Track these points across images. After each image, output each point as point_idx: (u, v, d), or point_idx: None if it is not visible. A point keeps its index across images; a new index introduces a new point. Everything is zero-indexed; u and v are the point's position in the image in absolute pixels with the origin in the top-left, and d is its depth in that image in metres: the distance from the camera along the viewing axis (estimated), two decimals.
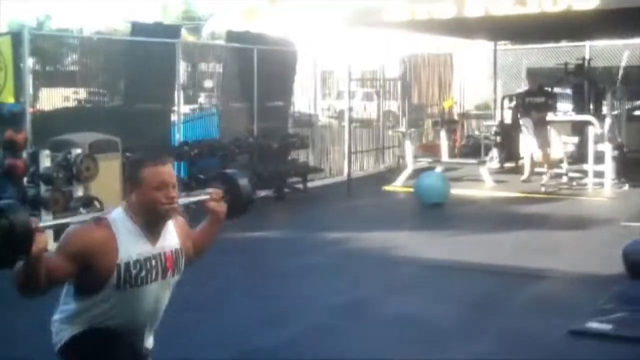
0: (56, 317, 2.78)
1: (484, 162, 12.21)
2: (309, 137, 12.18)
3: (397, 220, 9.04)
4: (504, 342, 4.77)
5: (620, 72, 13.76)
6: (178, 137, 10.09)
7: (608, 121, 11.26)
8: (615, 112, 11.99)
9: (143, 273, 2.68)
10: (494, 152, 13.10)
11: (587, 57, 14.57)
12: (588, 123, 11.39)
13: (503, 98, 14.04)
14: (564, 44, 15.68)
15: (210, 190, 2.98)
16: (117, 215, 2.70)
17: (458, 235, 8.00)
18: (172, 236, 2.81)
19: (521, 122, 12.00)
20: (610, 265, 6.21)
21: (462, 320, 5.24)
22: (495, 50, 15.26)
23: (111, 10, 41.16)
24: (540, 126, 11.62)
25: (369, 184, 12.06)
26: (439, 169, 11.70)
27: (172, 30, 10.79)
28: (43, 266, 2.44)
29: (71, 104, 9.55)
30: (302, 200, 10.65)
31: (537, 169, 11.73)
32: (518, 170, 12.39)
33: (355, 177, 11.83)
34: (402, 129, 13.33)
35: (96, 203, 7.38)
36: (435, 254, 7.15)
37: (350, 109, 11.81)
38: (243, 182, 3.12)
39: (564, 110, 13.39)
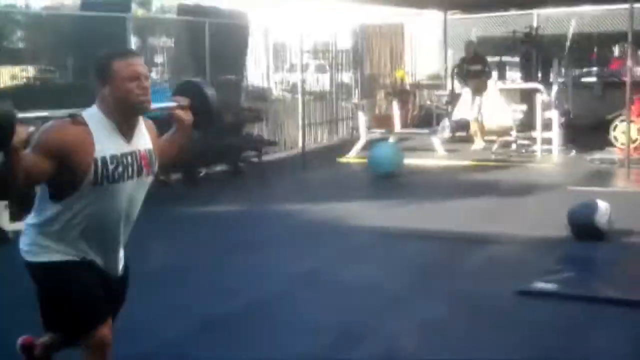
0: (30, 221, 2.81)
1: (435, 132, 12.39)
2: (263, 110, 12.21)
3: (352, 190, 9.19)
4: (454, 304, 4.93)
5: (568, 40, 14.02)
6: None
7: (555, 89, 11.53)
8: (562, 80, 12.27)
9: (120, 169, 2.72)
10: (446, 122, 13.30)
11: (535, 25, 14.80)
12: (536, 91, 11.63)
13: (454, 68, 14.21)
14: (513, 12, 15.87)
15: (177, 98, 3.02)
16: (92, 112, 2.73)
17: (411, 203, 8.18)
18: (145, 137, 2.86)
19: (458, 90, 12.29)
20: (557, 228, 6.42)
21: (414, 284, 5.40)
22: (445, 20, 15.40)
23: None
24: (477, 94, 11.89)
25: (324, 156, 12.17)
26: (392, 139, 11.86)
27: (123, 4, 10.70)
28: (21, 161, 2.44)
29: (19, 81, 9.44)
30: (258, 173, 10.72)
31: (486, 137, 12.00)
32: (469, 139, 12.62)
33: (310, 150, 11.92)
34: (355, 100, 13.45)
35: None
36: (389, 222, 7.30)
37: (304, 82, 11.88)
38: (210, 92, 3.12)
39: (513, 78, 13.61)
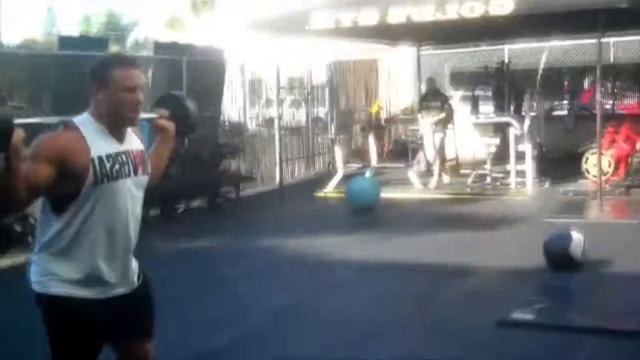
0: (36, 248, 2.81)
1: (411, 166, 12.52)
2: (240, 145, 12.29)
3: (331, 224, 9.26)
4: (434, 335, 5.02)
5: (539, 73, 14.31)
6: None
7: (527, 122, 11.74)
8: (534, 113, 12.50)
9: (117, 166, 2.78)
10: (421, 155, 13.43)
11: (506, 59, 15.10)
12: (509, 124, 11.83)
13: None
14: (484, 47, 16.17)
15: (158, 110, 3.12)
16: (83, 118, 2.78)
17: (389, 237, 8.26)
18: (135, 140, 2.93)
19: (419, 126, 12.39)
20: (533, 259, 6.54)
21: (394, 316, 5.48)
22: (418, 55, 15.63)
23: (30, 21, 40.08)
24: (439, 129, 11.96)
25: (301, 190, 12.25)
26: (368, 173, 11.97)
27: (100, 43, 10.80)
28: (21, 165, 2.45)
29: None
30: (236, 209, 10.76)
31: (462, 171, 12.15)
32: (444, 172, 12.77)
33: (287, 184, 12.00)
34: (332, 134, 13.59)
35: (31, 219, 7.38)
36: (368, 255, 7.38)
37: (280, 117, 12.00)
38: (189, 103, 3.27)
39: (486, 111, 13.82)
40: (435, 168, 11.97)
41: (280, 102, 12.85)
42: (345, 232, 8.67)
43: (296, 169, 14.12)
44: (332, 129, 14.07)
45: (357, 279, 6.63)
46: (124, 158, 2.83)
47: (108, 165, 2.76)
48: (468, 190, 11.32)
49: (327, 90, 15.24)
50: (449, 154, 12.72)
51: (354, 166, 12.44)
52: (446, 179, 12.06)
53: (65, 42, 10.24)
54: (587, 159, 11.21)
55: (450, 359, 4.57)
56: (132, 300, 2.97)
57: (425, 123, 12.20)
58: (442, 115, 12.00)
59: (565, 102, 15.88)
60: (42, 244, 2.80)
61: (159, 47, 11.85)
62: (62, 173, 2.66)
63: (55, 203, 2.75)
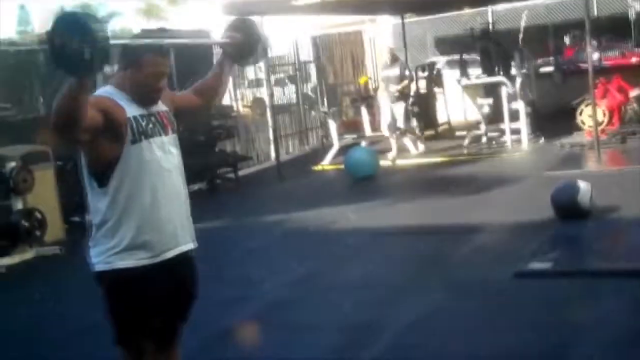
0: (93, 230, 2.87)
1: (405, 132, 12.52)
2: (234, 127, 12.26)
3: (333, 196, 9.29)
4: (454, 291, 5.05)
5: (521, 32, 14.30)
6: None
7: (518, 80, 11.77)
8: (524, 71, 12.53)
9: (151, 125, 2.87)
10: (413, 122, 13.44)
11: (490, 21, 15.10)
12: (500, 84, 11.86)
13: (416, 69, 14.35)
14: (467, 11, 16.13)
15: (231, 34, 3.24)
16: (107, 89, 2.88)
17: (394, 203, 8.30)
18: (160, 103, 3.00)
19: (378, 97, 12.35)
20: (540, 211, 6.60)
21: (411, 277, 5.53)
22: (403, 24, 15.59)
23: (1, 21, 39.33)
24: (399, 99, 11.87)
25: (298, 166, 12.26)
26: (363, 143, 11.98)
27: None
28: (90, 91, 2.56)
29: None
30: (236, 188, 10.78)
31: (457, 133, 12.19)
32: (438, 137, 12.83)
33: (283, 161, 12.01)
34: (324, 108, 13.58)
35: (37, 214, 7.38)
36: (375, 222, 7.43)
37: (272, 95, 11.99)
38: (261, 31, 3.42)
39: (476, 74, 13.81)
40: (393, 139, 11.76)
41: (265, 81, 12.82)
42: (349, 201, 8.69)
43: (290, 145, 14.12)
44: (325, 102, 14.05)
45: (369, 245, 6.68)
46: (154, 118, 2.92)
47: (144, 124, 2.85)
48: (465, 152, 11.37)
49: (312, 65, 15.19)
50: (441, 118, 12.78)
51: (349, 137, 12.44)
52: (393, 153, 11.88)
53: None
54: (581, 111, 11.27)
55: (473, 312, 4.62)
56: (187, 270, 3.12)
57: (382, 94, 12.16)
58: (404, 83, 11.93)
59: (551, 59, 15.87)
60: (97, 224, 2.85)
61: (147, 33, 11.74)
62: (106, 124, 2.72)
63: (100, 174, 2.81)
